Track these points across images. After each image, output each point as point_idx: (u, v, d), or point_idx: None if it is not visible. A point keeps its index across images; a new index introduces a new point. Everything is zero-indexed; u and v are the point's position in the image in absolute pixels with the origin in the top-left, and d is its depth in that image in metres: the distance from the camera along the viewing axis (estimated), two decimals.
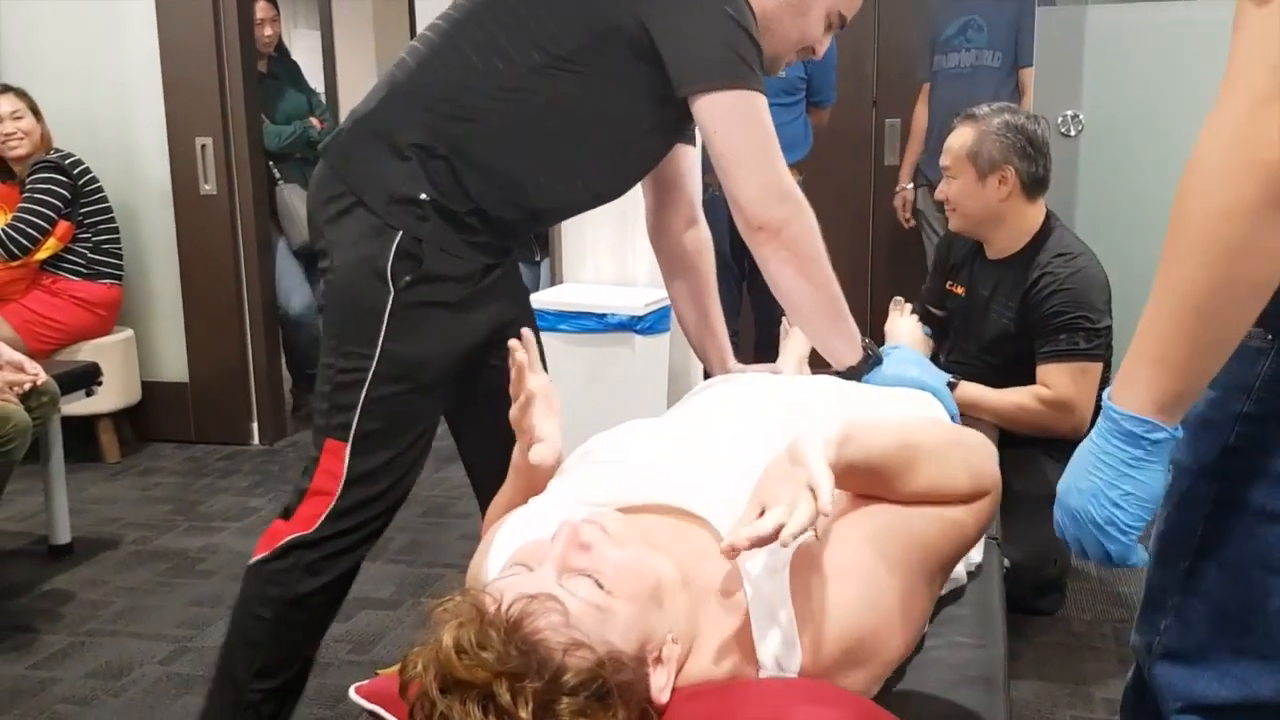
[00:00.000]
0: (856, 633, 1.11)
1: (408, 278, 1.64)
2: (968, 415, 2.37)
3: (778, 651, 1.08)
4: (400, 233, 1.64)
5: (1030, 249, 2.48)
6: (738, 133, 1.62)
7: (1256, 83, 0.81)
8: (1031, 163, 2.46)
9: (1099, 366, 2.38)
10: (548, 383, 1.38)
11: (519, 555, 1.06)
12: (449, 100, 1.65)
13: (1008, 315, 2.49)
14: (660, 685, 1.02)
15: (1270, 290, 0.86)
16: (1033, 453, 2.47)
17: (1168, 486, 0.99)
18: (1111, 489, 0.95)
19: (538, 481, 1.35)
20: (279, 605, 1.73)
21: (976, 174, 2.45)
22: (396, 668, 1.21)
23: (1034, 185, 2.49)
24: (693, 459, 1.29)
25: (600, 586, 1.00)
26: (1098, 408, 2.42)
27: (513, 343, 1.32)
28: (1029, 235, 2.50)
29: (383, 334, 1.65)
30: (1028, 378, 2.44)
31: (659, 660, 1.03)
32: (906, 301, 2.54)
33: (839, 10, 1.77)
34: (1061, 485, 1.01)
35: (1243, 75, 0.82)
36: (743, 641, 1.09)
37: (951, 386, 2.34)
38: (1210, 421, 0.97)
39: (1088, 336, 2.36)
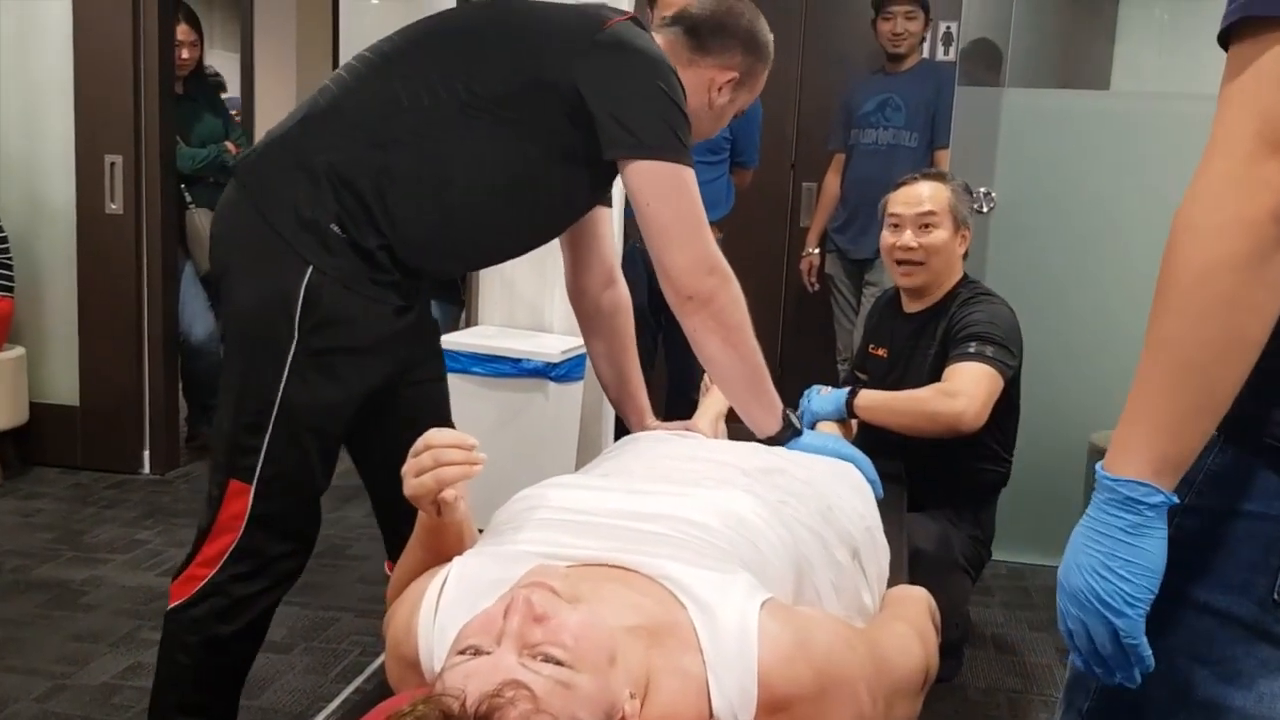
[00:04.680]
0: (822, 668, 1.11)
1: (311, 322, 1.61)
2: (870, 425, 2.40)
3: (734, 699, 1.08)
4: (310, 270, 1.60)
5: (948, 297, 2.56)
6: (669, 205, 1.65)
7: (1239, 144, 0.85)
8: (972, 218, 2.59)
9: (999, 378, 2.35)
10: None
11: (468, 634, 1.03)
12: (369, 127, 1.63)
13: (933, 352, 2.53)
14: None
15: (1258, 348, 0.88)
16: (938, 520, 2.51)
17: None
18: (1113, 559, 0.93)
19: (448, 543, 1.32)
20: (197, 651, 1.72)
21: (955, 225, 2.53)
22: None
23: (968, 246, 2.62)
24: (630, 516, 1.28)
25: (561, 662, 0.98)
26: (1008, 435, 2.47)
27: (447, 494, 1.24)
28: (951, 286, 2.58)
29: (285, 379, 1.63)
30: None
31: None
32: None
33: (743, 107, 1.90)
34: (1061, 569, 0.98)
35: (1226, 137, 0.86)
36: (696, 687, 1.08)
37: (853, 395, 2.39)
38: None
39: (996, 349, 2.37)
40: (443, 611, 1.19)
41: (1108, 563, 0.93)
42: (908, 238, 2.53)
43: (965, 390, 2.30)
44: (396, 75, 1.65)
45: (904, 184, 2.59)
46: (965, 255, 2.60)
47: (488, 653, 0.99)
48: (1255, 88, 0.84)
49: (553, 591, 1.03)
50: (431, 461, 1.22)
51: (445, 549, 1.32)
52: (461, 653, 1.01)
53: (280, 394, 1.63)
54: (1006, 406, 2.44)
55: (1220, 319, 0.86)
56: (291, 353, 1.62)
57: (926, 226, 2.52)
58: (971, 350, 2.37)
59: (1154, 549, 0.92)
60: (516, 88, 1.63)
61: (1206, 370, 0.88)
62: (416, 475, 1.23)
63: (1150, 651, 0.94)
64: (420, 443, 1.24)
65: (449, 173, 1.65)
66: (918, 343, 2.59)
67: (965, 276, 2.61)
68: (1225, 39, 0.88)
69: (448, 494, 1.22)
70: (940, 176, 2.58)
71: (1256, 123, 0.84)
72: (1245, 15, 0.85)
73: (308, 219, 1.60)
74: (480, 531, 1.40)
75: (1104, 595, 0.93)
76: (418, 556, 1.35)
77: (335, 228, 1.60)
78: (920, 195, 2.53)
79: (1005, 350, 2.39)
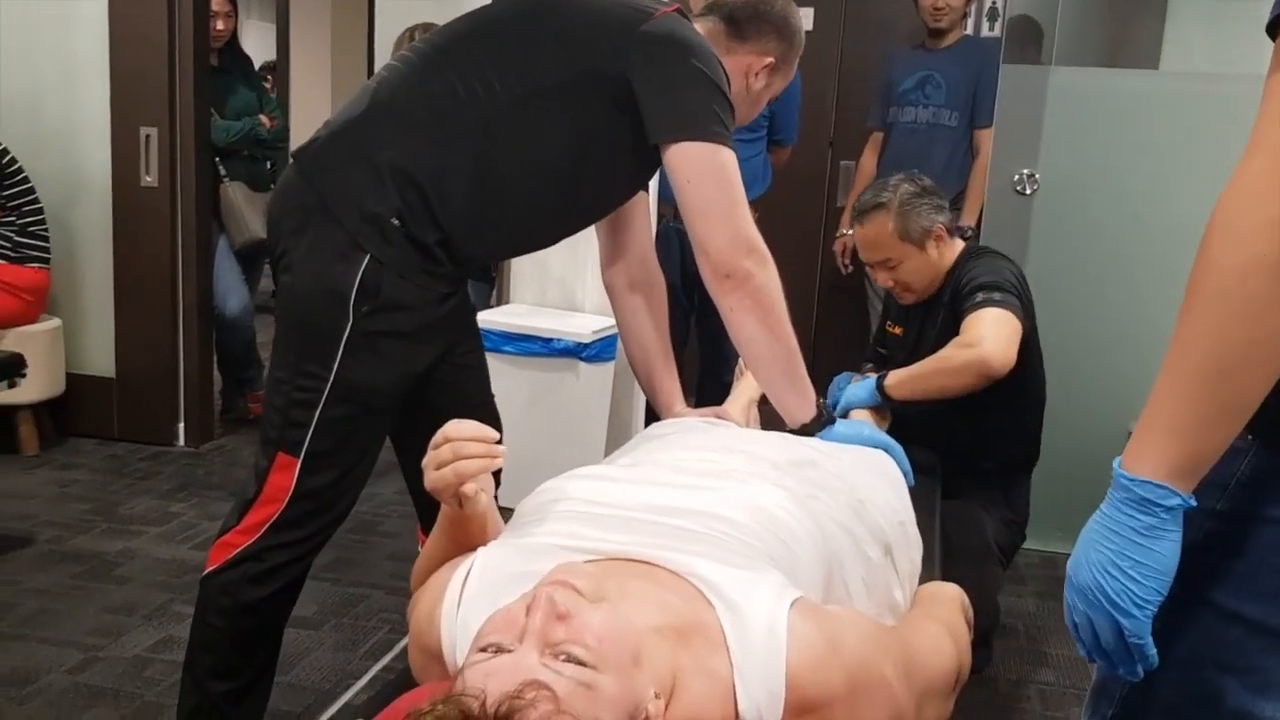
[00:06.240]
0: (852, 671, 1.09)
1: (367, 307, 1.66)
2: (902, 401, 2.36)
3: (761, 702, 1.06)
4: (367, 257, 1.65)
5: (950, 273, 2.52)
6: (710, 184, 1.68)
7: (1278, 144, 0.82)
8: (943, 211, 2.50)
9: (1015, 319, 2.30)
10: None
11: (489, 631, 1.01)
12: (428, 124, 1.68)
13: (942, 318, 2.49)
14: None
15: None
16: (969, 505, 2.47)
17: None
18: (1123, 559, 0.92)
19: (471, 533, 1.30)
20: (230, 614, 1.78)
21: (917, 246, 2.46)
22: None
23: (951, 224, 2.53)
24: (658, 511, 1.26)
25: (584, 662, 0.96)
26: (1026, 381, 2.38)
27: (468, 487, 1.23)
28: (949, 268, 2.53)
29: (339, 359, 1.68)
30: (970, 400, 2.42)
31: None
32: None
33: (777, 91, 1.96)
34: (1071, 562, 0.98)
35: (1269, 134, 0.83)
36: (723, 688, 1.07)
37: (881, 380, 2.36)
38: None
39: (1003, 295, 2.32)
40: (465, 604, 1.18)
41: (1118, 562, 0.92)
42: (883, 278, 2.55)
43: (984, 334, 2.26)
44: (452, 69, 1.70)
45: (854, 217, 2.55)
46: (951, 232, 2.52)
47: (509, 651, 0.98)
48: None
49: (576, 590, 1.01)
50: (451, 455, 1.20)
51: (469, 539, 1.30)
52: (483, 650, 1.00)
53: (334, 373, 1.69)
54: (1029, 375, 2.37)
55: (1251, 322, 0.84)
56: (346, 334, 1.67)
57: (892, 268, 2.50)
58: (979, 299, 2.33)
59: (1167, 551, 0.91)
60: (569, 79, 1.68)
61: (1233, 374, 0.86)
62: (436, 468, 1.21)
63: (1155, 650, 0.94)
64: (439, 435, 1.22)
65: (506, 166, 1.70)
66: (928, 315, 2.57)
67: (964, 248, 2.55)
68: (1273, 30, 0.86)
69: (468, 488, 1.20)
70: (876, 207, 2.47)
71: None
72: None
73: (370, 213, 1.66)
74: (511, 509, 1.38)
75: (1112, 594, 0.92)
76: (441, 546, 1.34)
77: (396, 221, 1.66)
78: (867, 242, 2.51)
79: (1013, 296, 2.34)
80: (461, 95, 1.68)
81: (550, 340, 3.20)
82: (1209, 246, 0.86)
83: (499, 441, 1.24)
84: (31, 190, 3.78)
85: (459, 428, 1.22)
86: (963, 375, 2.25)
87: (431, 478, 1.22)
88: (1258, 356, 0.85)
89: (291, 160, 1.77)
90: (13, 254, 3.72)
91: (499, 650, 0.98)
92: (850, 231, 4.25)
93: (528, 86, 1.68)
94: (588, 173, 1.77)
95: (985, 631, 2.57)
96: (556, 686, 0.93)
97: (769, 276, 1.73)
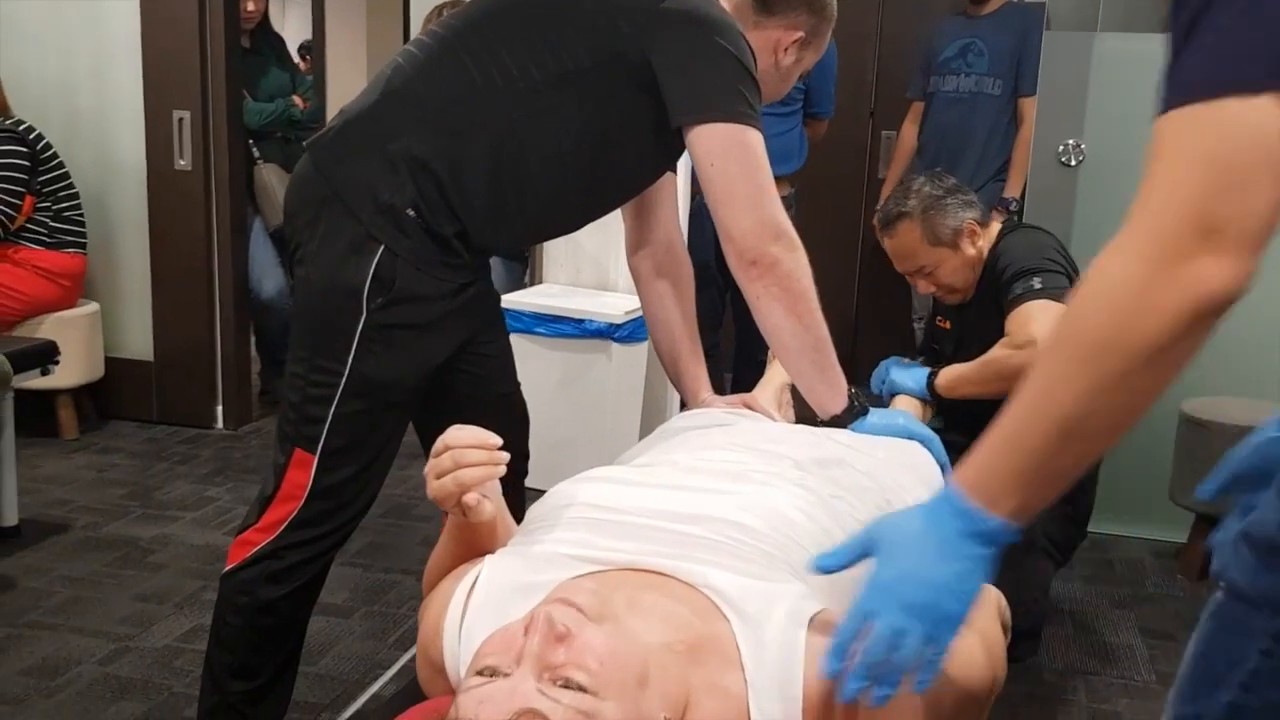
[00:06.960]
0: None
1: (380, 299, 1.63)
2: (953, 399, 2.29)
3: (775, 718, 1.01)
4: (380, 249, 1.61)
5: (990, 263, 2.43)
6: (734, 167, 1.61)
7: (1179, 232, 0.79)
8: (971, 207, 2.40)
9: (1061, 305, 2.22)
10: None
11: (487, 652, 0.96)
12: (444, 112, 1.64)
13: (984, 307, 2.41)
14: None
15: (1136, 420, 0.87)
16: None
17: (1217, 605, 0.91)
18: (963, 583, 0.96)
19: (480, 539, 1.26)
20: (248, 612, 1.76)
21: (950, 248, 2.38)
22: None
23: (983, 217, 2.44)
24: (670, 517, 1.20)
25: (584, 688, 0.91)
26: None
27: (470, 497, 1.17)
28: (987, 258, 2.44)
29: (353, 354, 1.65)
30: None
31: None
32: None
33: (808, 67, 1.88)
34: (890, 576, 0.98)
35: (1166, 213, 0.79)
36: (737, 707, 1.02)
37: (932, 377, 2.28)
38: None
39: (1043, 278, 2.23)
40: (470, 615, 1.14)
41: (955, 586, 0.96)
42: (923, 286, 2.47)
43: (1033, 333, 2.17)
44: (468, 54, 1.65)
45: (880, 230, 2.47)
46: (984, 223, 2.42)
47: (506, 675, 0.93)
48: (1188, 168, 0.79)
49: (578, 609, 0.96)
50: (451, 463, 1.15)
51: (478, 544, 1.26)
52: (479, 673, 0.95)
53: (348, 367, 1.65)
54: None
55: (1118, 399, 0.85)
56: (360, 328, 1.64)
57: (929, 274, 2.42)
58: (1019, 291, 2.23)
59: (986, 576, 0.97)
60: (587, 62, 1.62)
61: (1093, 439, 0.89)
62: (437, 477, 1.16)
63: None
64: (439, 443, 1.17)
65: (525, 154, 1.65)
66: (971, 305, 2.49)
67: (998, 233, 2.45)
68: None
69: (469, 498, 1.15)
70: (900, 216, 2.38)
71: (1198, 204, 0.78)
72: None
73: (385, 204, 1.62)
74: (542, 490, 1.34)
75: (950, 615, 0.96)
76: (450, 550, 1.30)
77: (411, 212, 1.62)
78: (898, 253, 2.43)
79: (1053, 275, 2.24)
80: (478, 82, 1.63)
81: (582, 321, 3.15)
82: (1083, 311, 0.85)
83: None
84: (66, 176, 3.78)
85: (459, 434, 1.17)
86: (1017, 378, 2.16)
87: (432, 487, 1.17)
88: (1119, 428, 0.87)
89: (305, 151, 1.72)
90: (49, 239, 3.73)
91: (495, 674, 0.94)
92: None
93: (546, 72, 1.62)
94: (609, 159, 1.71)
95: (1027, 630, 2.48)
96: (553, 716, 0.89)
97: (797, 262, 1.65)
